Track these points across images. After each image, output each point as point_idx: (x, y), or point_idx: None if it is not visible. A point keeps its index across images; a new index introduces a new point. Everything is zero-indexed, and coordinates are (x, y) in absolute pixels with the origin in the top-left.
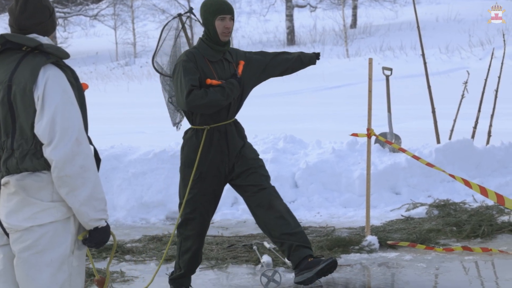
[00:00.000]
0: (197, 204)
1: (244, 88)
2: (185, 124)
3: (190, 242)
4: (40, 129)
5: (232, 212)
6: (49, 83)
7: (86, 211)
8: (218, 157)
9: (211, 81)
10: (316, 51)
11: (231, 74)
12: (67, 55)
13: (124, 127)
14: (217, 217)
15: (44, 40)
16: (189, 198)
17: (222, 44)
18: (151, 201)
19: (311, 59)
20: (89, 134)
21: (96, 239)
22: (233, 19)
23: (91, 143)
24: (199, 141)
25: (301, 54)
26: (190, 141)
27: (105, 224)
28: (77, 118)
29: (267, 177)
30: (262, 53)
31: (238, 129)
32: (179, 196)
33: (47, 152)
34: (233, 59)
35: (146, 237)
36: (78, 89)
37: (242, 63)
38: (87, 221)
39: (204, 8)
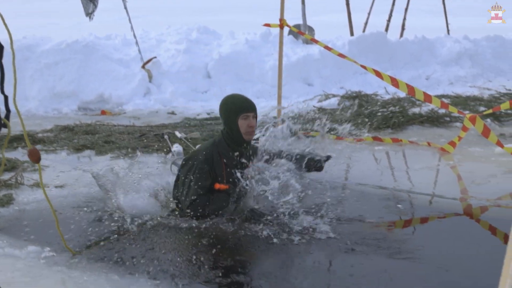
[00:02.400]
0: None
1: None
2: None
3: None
4: None
5: (144, 102)
6: None
7: None
8: None
9: (220, 186)
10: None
11: (239, 177)
12: None
13: (38, 19)
14: (129, 107)
15: None
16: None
17: (245, 144)
18: (63, 91)
19: (319, 168)
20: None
21: None
22: (256, 117)
23: None
24: None
25: (309, 159)
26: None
27: None
28: None
29: None
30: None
31: None
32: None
33: None
34: (250, 159)
35: (58, 127)
36: None
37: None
38: None
39: (225, 107)
